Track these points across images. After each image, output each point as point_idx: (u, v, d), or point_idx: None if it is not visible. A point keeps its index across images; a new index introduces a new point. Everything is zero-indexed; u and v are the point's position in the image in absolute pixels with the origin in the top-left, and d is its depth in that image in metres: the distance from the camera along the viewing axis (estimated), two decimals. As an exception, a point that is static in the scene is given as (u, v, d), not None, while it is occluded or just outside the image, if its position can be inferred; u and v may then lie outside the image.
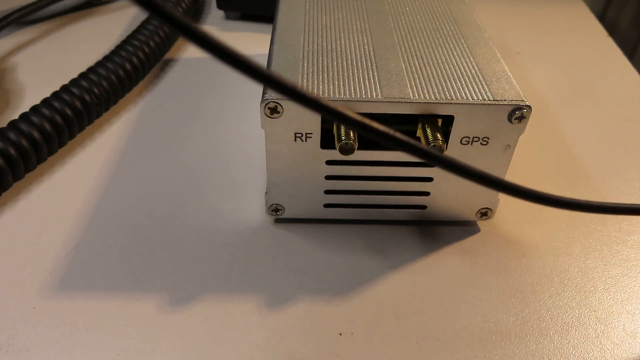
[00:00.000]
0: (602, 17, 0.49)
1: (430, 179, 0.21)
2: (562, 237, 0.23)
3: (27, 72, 0.33)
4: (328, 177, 0.21)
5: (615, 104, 0.32)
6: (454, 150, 0.20)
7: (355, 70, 0.20)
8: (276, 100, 0.19)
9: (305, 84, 0.19)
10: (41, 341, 0.18)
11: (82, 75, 0.27)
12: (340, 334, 0.19)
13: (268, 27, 0.39)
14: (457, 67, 0.21)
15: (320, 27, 0.23)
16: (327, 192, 0.22)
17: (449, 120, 0.19)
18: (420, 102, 0.19)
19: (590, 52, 0.37)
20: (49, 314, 0.19)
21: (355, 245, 0.22)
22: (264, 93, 0.19)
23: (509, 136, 0.20)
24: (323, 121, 0.19)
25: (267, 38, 0.35)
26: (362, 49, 0.22)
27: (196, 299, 0.20)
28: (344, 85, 0.19)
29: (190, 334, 0.19)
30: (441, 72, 0.20)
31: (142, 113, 0.29)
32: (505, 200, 0.24)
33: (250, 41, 0.37)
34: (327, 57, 0.21)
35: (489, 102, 0.19)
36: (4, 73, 0.32)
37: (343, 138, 0.18)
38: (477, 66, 0.21)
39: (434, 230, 0.23)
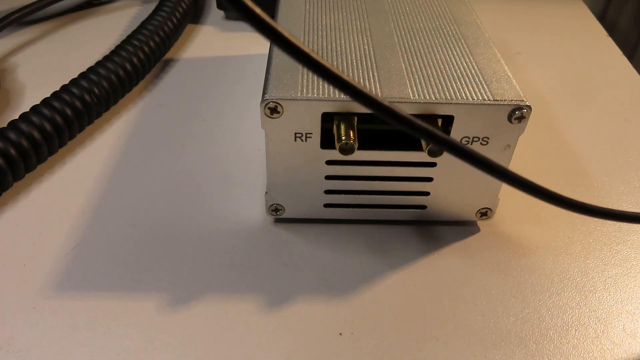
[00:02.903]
0: (602, 17, 0.49)
1: (430, 179, 0.21)
2: (562, 237, 0.23)
3: (27, 72, 0.33)
4: (328, 177, 0.21)
5: (615, 104, 0.32)
6: (454, 150, 0.20)
7: (355, 70, 0.20)
8: (276, 100, 0.19)
9: (305, 84, 0.19)
10: (41, 341, 0.18)
11: (82, 75, 0.27)
12: (340, 334, 0.19)
13: (268, 27, 0.39)
14: (457, 67, 0.21)
15: (320, 27, 0.23)
16: (327, 192, 0.22)
17: (449, 120, 0.19)
18: (420, 102, 0.19)
19: (590, 52, 0.37)
20: (49, 314, 0.19)
21: (355, 245, 0.22)
22: (264, 93, 0.19)
23: (509, 136, 0.20)
24: (323, 121, 0.19)
25: (267, 38, 0.35)
26: (362, 49, 0.22)
27: (196, 299, 0.20)
28: (344, 85, 0.19)
29: (190, 334, 0.19)
30: (441, 72, 0.20)
31: (142, 113, 0.29)
32: (505, 201, 0.24)
33: (250, 41, 0.37)
34: (327, 57, 0.21)
35: (488, 102, 0.19)
36: (4, 73, 0.32)
37: (343, 138, 0.18)
38: (477, 66, 0.21)
39: (434, 230, 0.23)
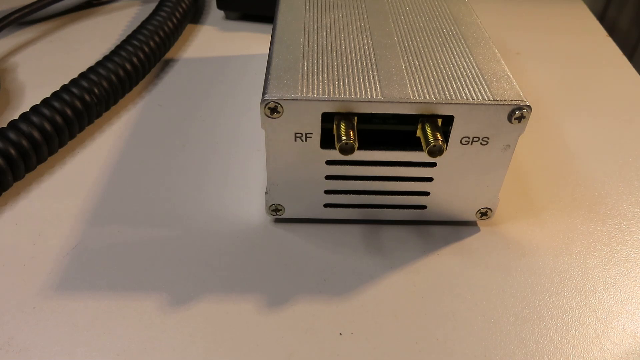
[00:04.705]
0: (602, 17, 0.49)
1: (430, 179, 0.21)
2: (562, 237, 0.23)
3: (27, 72, 0.33)
4: (328, 177, 0.21)
5: (615, 104, 0.32)
6: (454, 150, 0.20)
7: (355, 70, 0.20)
8: (276, 100, 0.19)
9: (305, 84, 0.19)
10: (41, 341, 0.18)
11: (82, 75, 0.27)
12: (340, 334, 0.19)
13: (268, 27, 0.39)
14: (457, 67, 0.21)
15: (320, 27, 0.23)
16: (327, 192, 0.22)
17: (449, 120, 0.19)
18: (420, 102, 0.19)
19: (590, 52, 0.37)
20: (49, 314, 0.19)
21: (355, 245, 0.22)
22: (264, 93, 0.19)
23: (509, 136, 0.20)
24: (323, 121, 0.19)
25: (267, 38, 0.35)
26: (362, 49, 0.22)
27: (196, 299, 0.20)
28: (343, 85, 0.19)
29: (190, 334, 0.19)
30: (441, 72, 0.20)
31: (142, 113, 0.29)
32: (505, 200, 0.24)
33: (250, 41, 0.37)
34: (327, 57, 0.21)
35: (489, 102, 0.19)
36: (4, 73, 0.32)
37: (343, 138, 0.18)
38: (477, 66, 0.21)
39: (434, 230, 0.23)
